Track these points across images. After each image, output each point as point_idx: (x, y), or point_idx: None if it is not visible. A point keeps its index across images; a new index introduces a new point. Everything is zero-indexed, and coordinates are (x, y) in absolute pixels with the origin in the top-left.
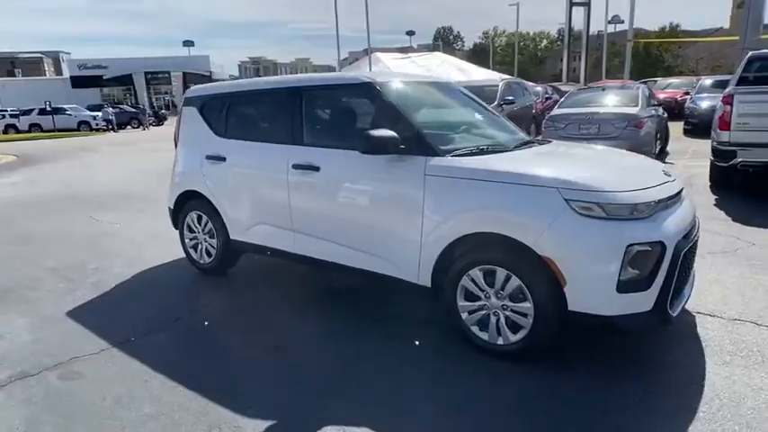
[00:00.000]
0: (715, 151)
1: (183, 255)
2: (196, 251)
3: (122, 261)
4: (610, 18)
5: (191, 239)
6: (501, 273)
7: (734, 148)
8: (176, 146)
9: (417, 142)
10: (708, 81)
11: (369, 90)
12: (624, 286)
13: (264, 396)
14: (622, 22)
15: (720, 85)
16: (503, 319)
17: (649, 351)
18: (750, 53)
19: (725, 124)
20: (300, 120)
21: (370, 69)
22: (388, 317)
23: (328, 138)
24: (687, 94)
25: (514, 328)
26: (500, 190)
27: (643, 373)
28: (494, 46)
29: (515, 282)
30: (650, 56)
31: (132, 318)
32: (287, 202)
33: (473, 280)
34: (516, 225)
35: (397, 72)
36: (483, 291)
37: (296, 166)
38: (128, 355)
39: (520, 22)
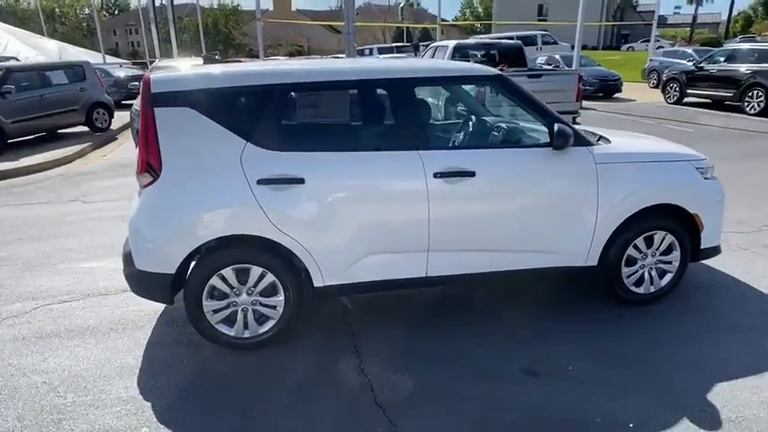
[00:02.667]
0: None
1: None
2: (231, 323)
3: None
4: None
5: (218, 309)
6: (659, 235)
7: None
8: (149, 170)
9: (576, 133)
10: None
11: (504, 82)
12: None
13: None
14: None
15: None
16: (654, 273)
17: None
18: None
19: None
20: (416, 118)
21: None
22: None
23: (475, 137)
24: None
25: (661, 275)
26: (657, 168)
27: None
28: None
29: (670, 239)
30: (220, 33)
31: None
32: (425, 217)
33: (636, 246)
34: (675, 193)
35: None
36: (642, 253)
37: (440, 174)
38: None
39: None
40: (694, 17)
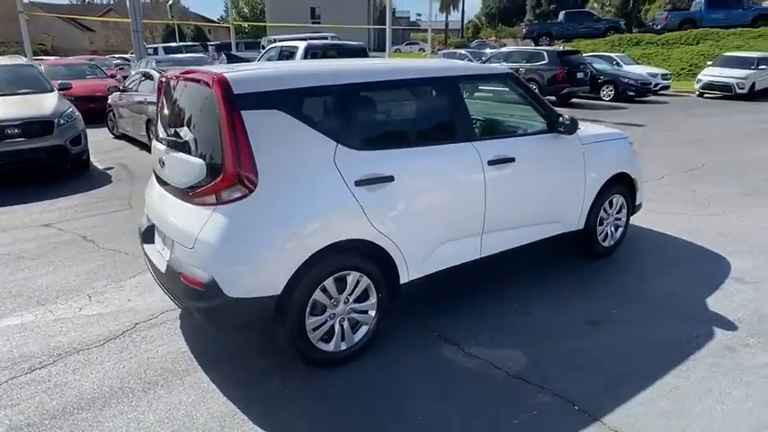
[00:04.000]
0: None
1: None
2: (329, 338)
3: None
4: None
5: (318, 326)
6: (617, 198)
7: None
8: (242, 182)
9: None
10: None
11: (514, 79)
12: None
13: None
14: None
15: None
16: (612, 229)
17: None
18: None
19: None
20: (467, 112)
21: None
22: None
23: (508, 127)
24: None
25: (616, 229)
26: (613, 146)
27: None
28: None
29: (622, 200)
30: None
31: None
32: (482, 201)
33: (604, 209)
34: (626, 164)
35: None
36: (608, 214)
37: (491, 162)
38: None
39: None
40: (446, 23)
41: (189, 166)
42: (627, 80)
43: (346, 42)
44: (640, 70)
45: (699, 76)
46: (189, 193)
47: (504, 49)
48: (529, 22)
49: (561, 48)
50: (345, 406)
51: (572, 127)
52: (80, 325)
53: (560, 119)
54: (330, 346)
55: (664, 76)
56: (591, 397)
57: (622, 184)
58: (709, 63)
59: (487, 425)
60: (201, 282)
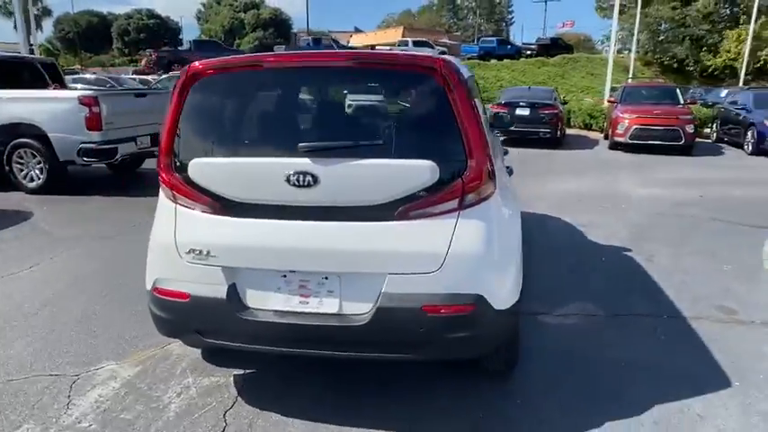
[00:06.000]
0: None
1: None
2: None
3: None
4: None
5: None
6: None
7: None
8: (492, 178)
9: None
10: None
11: None
12: None
13: None
14: None
15: None
16: None
17: None
18: None
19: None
20: None
21: None
22: None
23: None
24: None
25: None
26: None
27: None
28: None
29: None
30: None
31: None
32: None
33: None
34: None
35: None
36: None
37: None
38: None
39: None
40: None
41: (401, 172)
42: None
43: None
44: None
45: None
46: (399, 207)
47: (172, 74)
48: (158, 50)
49: None
50: None
51: None
52: None
53: None
54: None
55: None
56: None
57: None
58: None
59: None
60: (467, 303)
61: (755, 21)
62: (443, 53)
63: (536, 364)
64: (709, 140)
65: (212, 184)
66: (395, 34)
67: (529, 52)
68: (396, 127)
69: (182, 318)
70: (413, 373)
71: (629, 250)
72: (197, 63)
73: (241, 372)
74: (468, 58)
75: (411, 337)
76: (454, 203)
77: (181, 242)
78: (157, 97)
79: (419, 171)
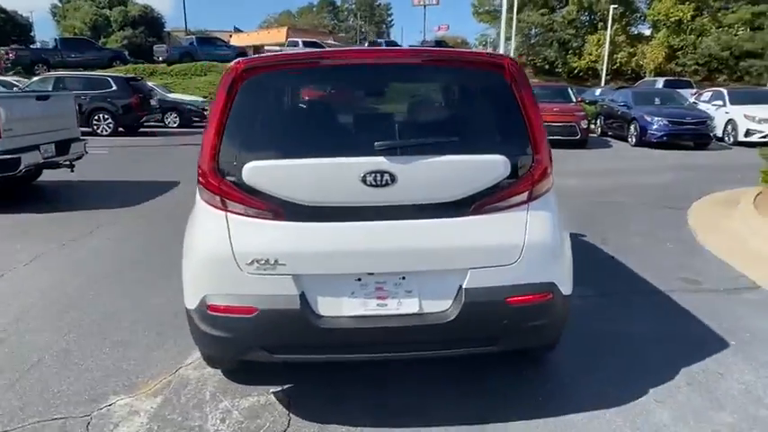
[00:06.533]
0: None
1: None
2: None
3: None
4: None
5: None
6: None
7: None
8: None
9: None
10: None
11: None
12: None
13: None
14: None
15: None
16: None
17: None
18: None
19: None
20: None
21: None
22: None
23: None
24: None
25: None
26: None
27: None
28: None
29: None
30: None
31: None
32: None
33: None
34: None
35: None
36: None
37: None
38: None
39: None
40: None
41: (476, 168)
42: (189, 107)
43: None
44: (188, 98)
45: None
46: (474, 203)
47: (47, 75)
48: (17, 48)
49: (126, 74)
50: None
51: None
52: None
53: None
54: None
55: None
56: None
57: None
58: None
59: None
60: (545, 291)
61: (611, 27)
62: None
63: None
64: (595, 134)
65: (275, 187)
66: (279, 35)
67: None
68: (466, 123)
69: (246, 335)
70: (444, 366)
71: (584, 235)
72: (246, 59)
73: (279, 388)
74: None
75: (495, 329)
76: (524, 196)
77: (240, 252)
78: (59, 100)
79: (494, 166)
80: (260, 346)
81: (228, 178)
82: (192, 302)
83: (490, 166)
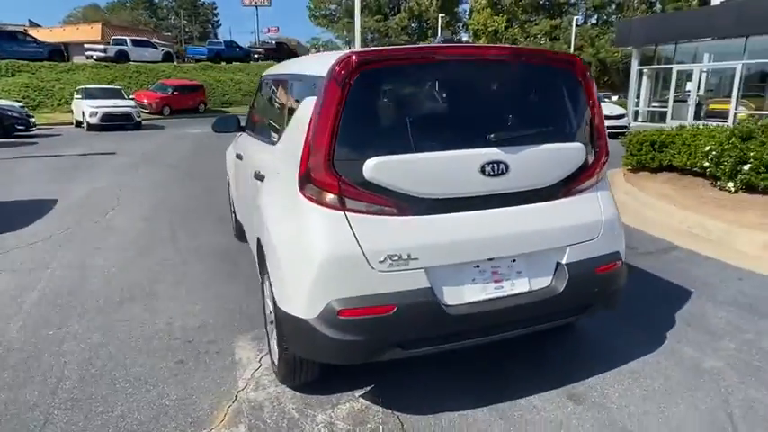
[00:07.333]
0: None
1: None
2: None
3: None
4: None
5: None
6: None
7: None
8: None
9: None
10: None
11: None
12: None
13: None
14: None
15: None
16: None
17: None
18: None
19: None
20: None
21: None
22: None
23: None
24: None
25: None
26: None
27: None
28: None
29: None
30: None
31: None
32: None
33: None
34: None
35: None
36: None
37: None
38: None
39: None
40: None
41: (567, 155)
42: (10, 113)
43: None
44: (5, 103)
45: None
46: (563, 187)
47: None
48: None
49: None
50: None
51: None
52: None
53: None
54: None
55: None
56: None
57: None
58: (77, 96)
59: None
60: (617, 260)
61: (441, 34)
62: (168, 54)
63: None
64: None
65: (398, 183)
66: (91, 31)
67: (257, 56)
68: (552, 114)
69: (383, 334)
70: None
71: None
72: (358, 53)
73: (362, 390)
74: (197, 60)
75: (590, 297)
76: (595, 179)
77: (371, 251)
78: None
79: (579, 152)
80: (396, 343)
81: (347, 176)
82: (311, 311)
83: (577, 153)
